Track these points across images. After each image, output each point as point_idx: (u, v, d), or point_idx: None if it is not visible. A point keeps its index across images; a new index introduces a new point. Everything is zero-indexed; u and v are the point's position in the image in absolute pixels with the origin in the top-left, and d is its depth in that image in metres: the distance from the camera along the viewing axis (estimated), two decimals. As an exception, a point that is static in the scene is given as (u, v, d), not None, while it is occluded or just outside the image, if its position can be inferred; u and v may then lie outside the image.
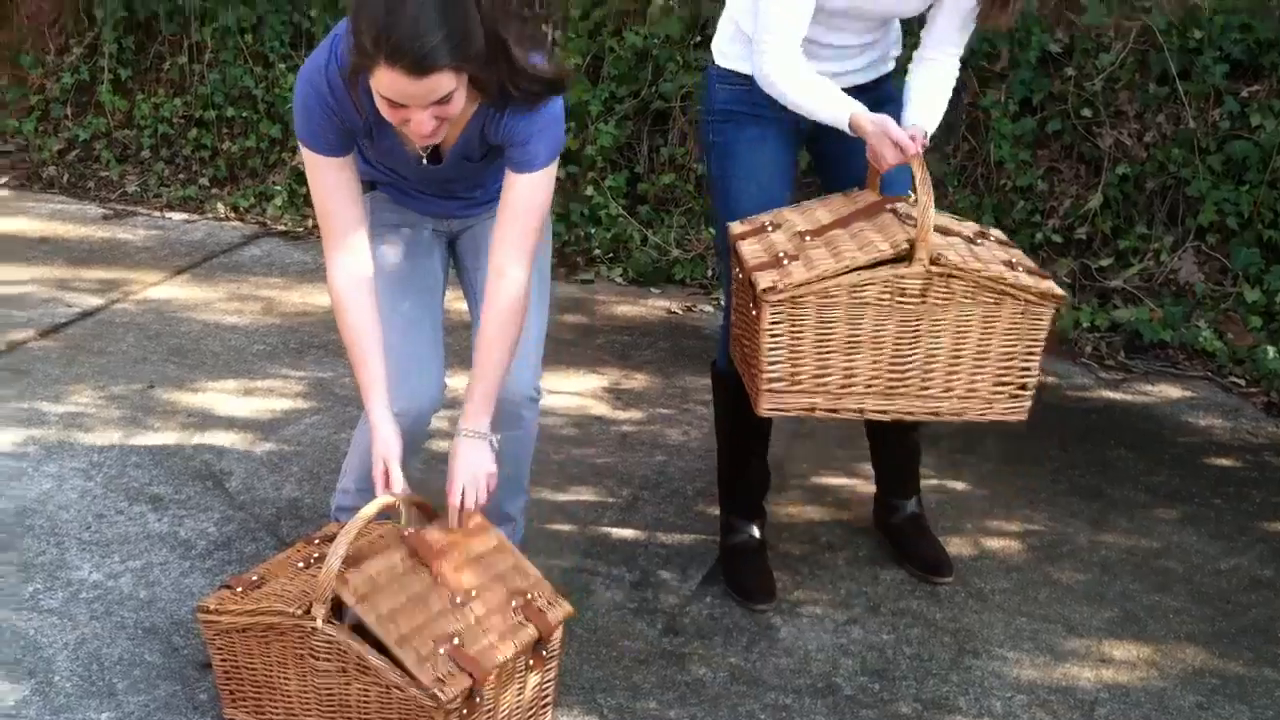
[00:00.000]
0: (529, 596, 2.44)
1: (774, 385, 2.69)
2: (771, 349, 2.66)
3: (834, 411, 2.71)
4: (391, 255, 2.72)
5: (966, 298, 2.62)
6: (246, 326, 4.34)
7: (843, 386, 2.69)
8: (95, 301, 4.50)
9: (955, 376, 2.68)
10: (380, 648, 2.29)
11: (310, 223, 5.12)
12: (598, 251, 4.82)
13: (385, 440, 2.49)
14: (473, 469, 2.50)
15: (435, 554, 2.38)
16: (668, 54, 4.87)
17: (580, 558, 3.18)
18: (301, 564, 2.52)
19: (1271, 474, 3.56)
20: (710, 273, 4.65)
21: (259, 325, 4.35)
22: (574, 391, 3.95)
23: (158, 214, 5.24)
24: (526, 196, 2.47)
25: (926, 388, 2.69)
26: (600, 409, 3.87)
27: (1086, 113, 4.39)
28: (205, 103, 5.47)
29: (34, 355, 4.14)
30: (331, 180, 2.51)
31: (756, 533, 3.14)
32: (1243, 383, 4.00)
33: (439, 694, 2.25)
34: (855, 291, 2.62)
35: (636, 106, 4.92)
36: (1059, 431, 3.74)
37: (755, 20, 2.75)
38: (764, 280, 2.61)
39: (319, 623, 2.32)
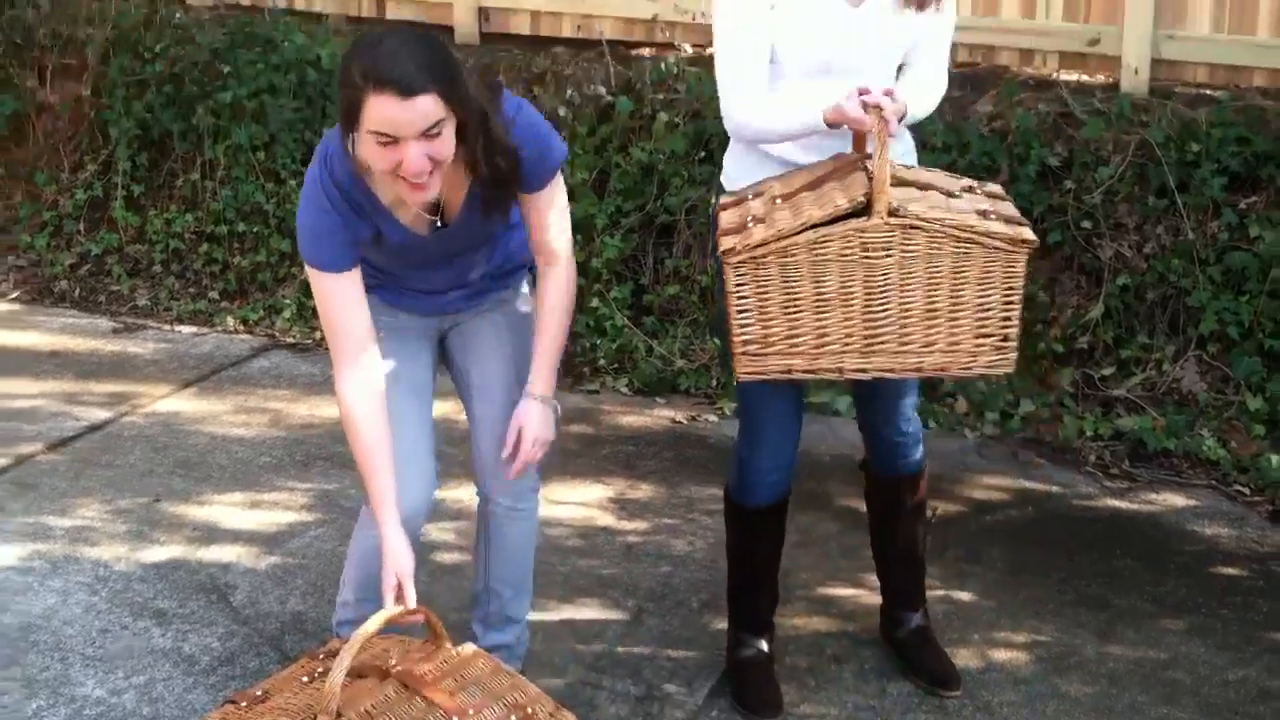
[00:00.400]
0: (529, 711, 2.42)
1: (748, 349, 2.67)
2: (740, 311, 2.64)
3: (812, 372, 2.68)
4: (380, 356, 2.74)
5: (934, 249, 2.60)
6: (253, 439, 4.36)
7: (817, 346, 2.65)
8: (103, 415, 4.52)
9: (934, 331, 2.63)
10: None
11: (318, 335, 5.16)
12: (603, 362, 4.85)
13: (397, 554, 2.54)
14: (535, 429, 2.71)
15: (427, 684, 2.38)
16: (673, 169, 4.95)
17: (585, 671, 3.16)
18: (305, 679, 2.50)
19: (1277, 583, 3.54)
20: (715, 382, 4.67)
21: (266, 438, 4.37)
22: (579, 502, 3.96)
23: (167, 327, 5.29)
24: (550, 200, 2.69)
25: (905, 344, 2.64)
26: (605, 519, 3.87)
27: (1086, 224, 4.44)
28: (217, 218, 5.55)
29: (41, 469, 4.16)
30: (340, 296, 2.57)
31: (765, 646, 3.12)
32: (1247, 491, 3.99)
33: None
34: (816, 248, 2.60)
35: (642, 220, 4.98)
36: (1065, 541, 3.73)
37: (719, 88, 2.85)
38: (725, 243, 2.63)
39: None
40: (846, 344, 2.64)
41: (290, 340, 5.16)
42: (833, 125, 2.73)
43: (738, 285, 2.63)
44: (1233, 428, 4.19)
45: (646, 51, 5.41)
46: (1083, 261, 4.48)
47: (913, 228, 2.56)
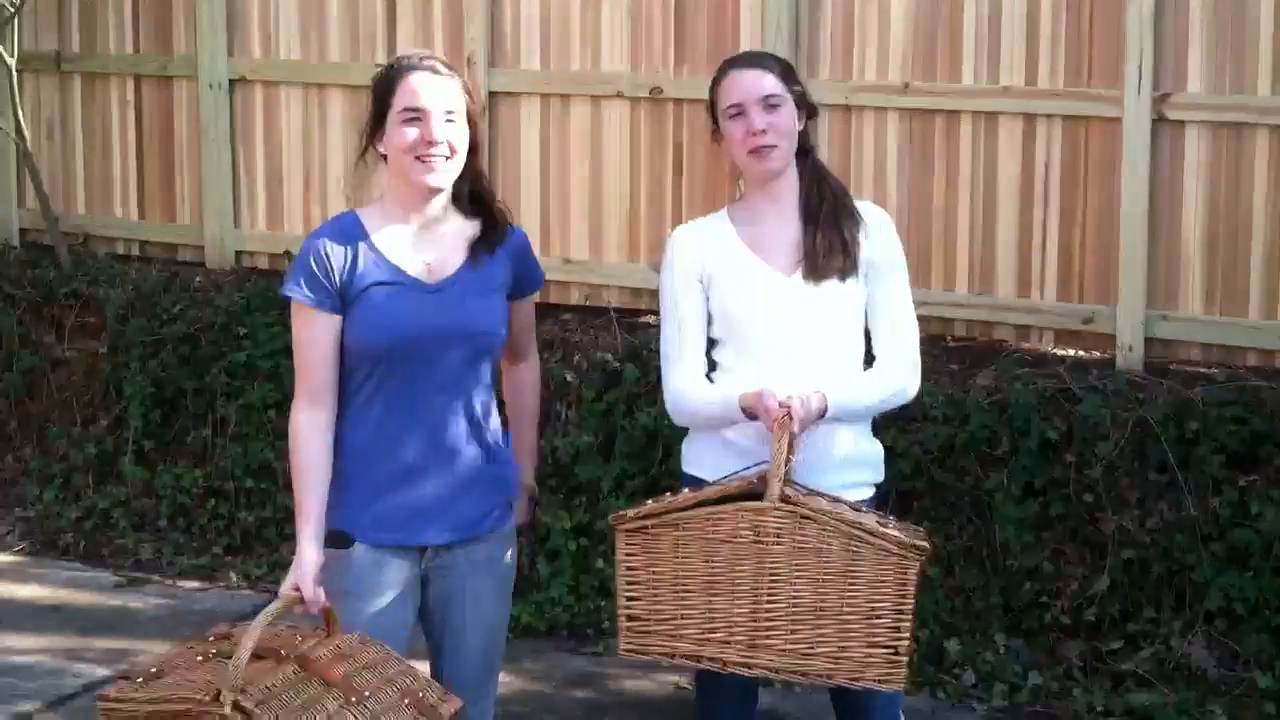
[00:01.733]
0: (420, 695, 2.61)
1: (632, 624, 2.66)
2: (629, 583, 2.64)
3: (695, 659, 2.66)
4: (359, 622, 2.81)
5: (825, 543, 2.60)
6: (254, 700, 4.30)
7: (704, 632, 2.64)
8: (102, 672, 4.48)
9: (823, 632, 2.62)
10: None
11: (322, 591, 5.14)
12: (607, 624, 4.83)
13: (307, 563, 2.79)
14: (522, 517, 3.09)
15: (324, 666, 2.57)
16: (678, 436, 5.01)
17: None
18: (200, 658, 2.61)
19: None
20: (720, 650, 4.64)
21: (266, 698, 4.31)
22: (584, 772, 3.89)
23: (170, 582, 5.28)
24: (530, 312, 3.13)
25: (793, 643, 2.62)
26: (611, 791, 3.80)
27: (1088, 498, 4.49)
28: (225, 474, 5.59)
29: (38, 727, 4.10)
30: (313, 335, 2.83)
31: None
32: (1262, 772, 3.94)
33: None
34: (709, 526, 2.62)
35: (647, 484, 5.03)
36: (1079, 821, 3.66)
37: (661, 360, 3.01)
38: (617, 512, 2.68)
39: (227, 709, 2.41)
40: (732, 634, 2.64)
41: (293, 598, 5.14)
42: (747, 412, 2.82)
43: (627, 555, 2.67)
44: (1244, 706, 4.16)
45: (652, 320, 5.56)
46: (1086, 534, 4.52)
47: (804, 517, 2.62)
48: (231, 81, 6.12)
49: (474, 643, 2.96)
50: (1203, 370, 4.73)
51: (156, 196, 6.41)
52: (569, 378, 5.20)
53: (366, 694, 2.56)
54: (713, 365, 3.03)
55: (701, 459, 3.04)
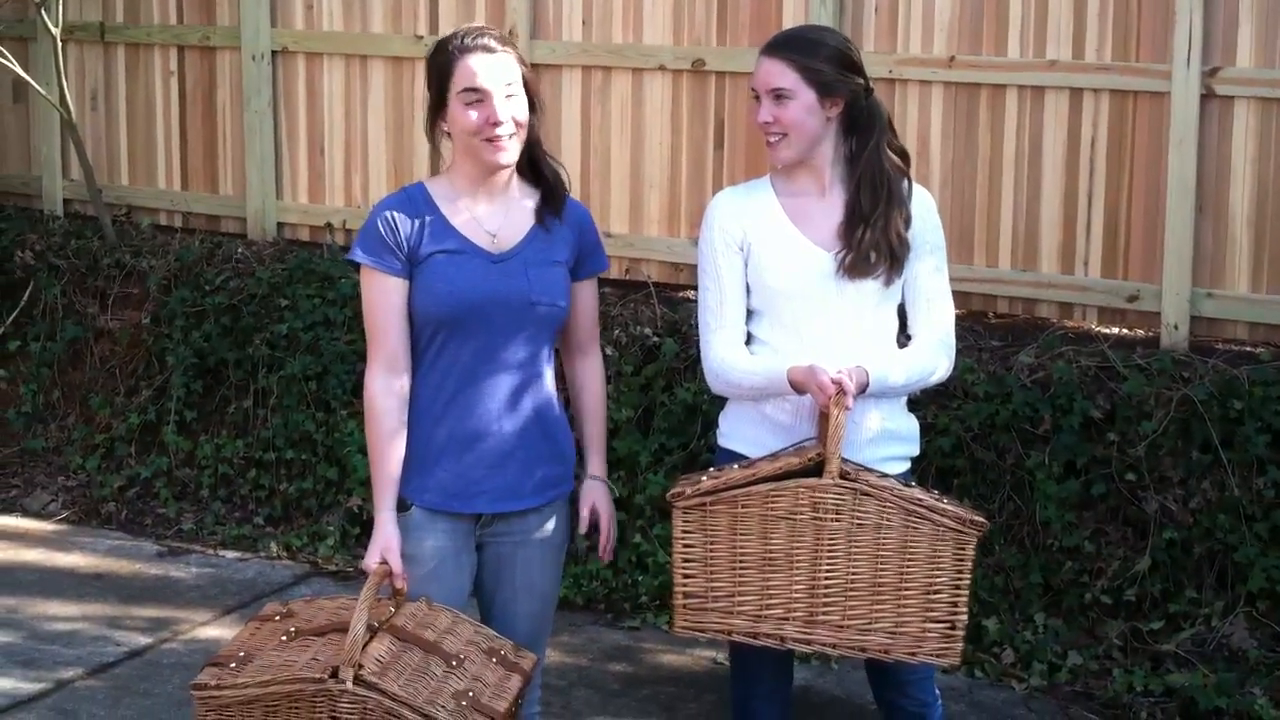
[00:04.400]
0: (502, 652, 2.72)
1: (689, 602, 2.65)
2: (685, 560, 2.63)
3: (752, 637, 2.65)
4: (416, 588, 2.85)
5: (884, 519, 2.59)
6: (293, 669, 4.34)
7: (760, 609, 2.63)
8: (144, 640, 4.52)
9: (880, 608, 2.61)
10: None
11: (361, 563, 5.18)
12: (644, 598, 4.84)
13: (388, 536, 2.82)
14: (606, 507, 3.04)
15: (414, 635, 2.64)
16: (716, 410, 5.00)
17: None
18: (283, 637, 2.64)
19: None
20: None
21: (306, 668, 4.34)
22: (621, 746, 3.90)
23: (211, 552, 5.32)
24: (590, 299, 3.07)
25: (851, 619, 2.62)
26: (647, 765, 3.81)
27: (1131, 477, 4.46)
28: (266, 445, 5.62)
29: (80, 695, 4.14)
30: (383, 300, 2.87)
31: None
32: (1303, 755, 3.91)
33: None
34: (768, 503, 2.60)
35: (685, 458, 5.03)
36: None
37: (700, 330, 3.00)
38: (674, 488, 2.66)
39: (349, 684, 2.45)
40: (790, 610, 2.63)
41: (332, 568, 5.18)
42: (796, 387, 2.80)
43: (684, 533, 2.65)
44: (1285, 688, 4.13)
45: (692, 295, 5.54)
46: (1128, 514, 4.48)
47: (864, 494, 2.60)
48: (274, 52, 6.13)
49: (523, 611, 2.98)
50: (1249, 349, 4.68)
51: (199, 168, 6.44)
52: (608, 352, 5.20)
53: (462, 657, 2.62)
54: (748, 338, 3.02)
55: (738, 433, 3.03)
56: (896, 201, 2.97)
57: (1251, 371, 4.45)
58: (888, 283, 2.95)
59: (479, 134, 2.85)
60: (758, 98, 2.96)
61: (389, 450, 2.86)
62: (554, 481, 3.00)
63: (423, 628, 2.67)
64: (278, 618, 2.72)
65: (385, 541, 2.81)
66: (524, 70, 2.91)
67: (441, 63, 2.89)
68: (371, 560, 2.79)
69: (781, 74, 2.93)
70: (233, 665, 2.56)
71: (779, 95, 2.93)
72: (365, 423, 2.90)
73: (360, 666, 2.46)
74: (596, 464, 3.07)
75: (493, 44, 2.87)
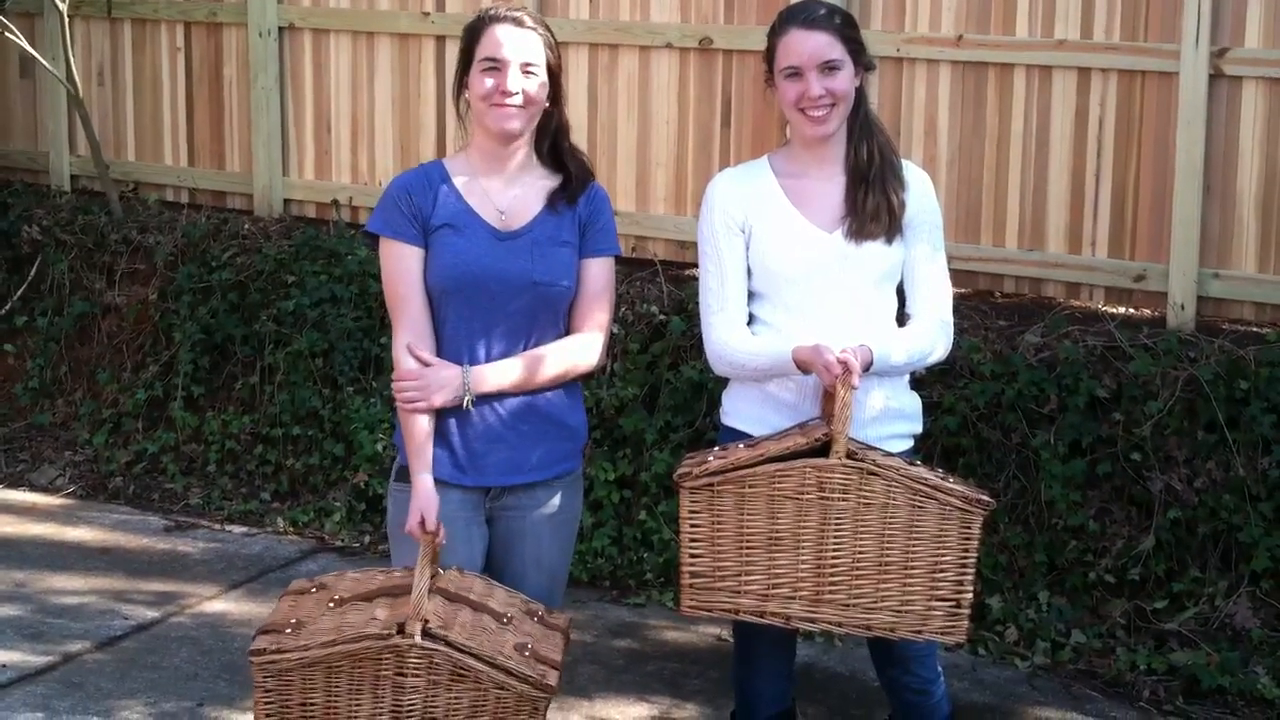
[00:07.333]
0: (540, 614, 2.79)
1: (696, 581, 2.67)
2: (692, 540, 2.65)
3: (758, 616, 2.66)
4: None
5: (890, 498, 2.60)
6: (300, 644, 4.35)
7: (767, 588, 2.65)
8: (151, 614, 4.54)
9: (886, 587, 2.63)
10: None
11: (367, 538, 5.20)
12: (649, 575, 4.85)
13: (426, 494, 2.86)
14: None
15: (462, 595, 2.70)
16: (722, 388, 5.01)
17: None
18: (330, 604, 2.67)
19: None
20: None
21: (312, 643, 4.36)
22: (625, 721, 3.92)
23: (218, 527, 5.34)
24: (600, 277, 3.00)
25: (856, 598, 2.63)
26: (652, 740, 3.83)
27: (1136, 456, 4.46)
28: (273, 421, 5.64)
29: (88, 668, 4.16)
30: (402, 267, 2.91)
31: None
32: (1305, 734, 3.92)
33: (548, 682, 2.59)
34: (775, 482, 2.61)
35: (691, 436, 5.03)
36: (1119, 779, 3.66)
37: (701, 311, 3.01)
38: (680, 469, 2.67)
39: (417, 638, 2.52)
40: (797, 589, 2.65)
41: (339, 544, 5.19)
42: (801, 366, 2.81)
43: (691, 513, 2.66)
44: (1289, 667, 4.14)
45: (698, 273, 5.54)
46: (1133, 493, 4.49)
47: (870, 473, 2.61)
48: (281, 29, 6.12)
49: (532, 585, 2.99)
50: (1255, 329, 4.68)
51: (206, 144, 6.44)
52: (615, 330, 5.20)
53: (509, 615, 2.69)
54: (750, 319, 3.03)
55: (741, 411, 3.03)
56: (893, 159, 3.01)
57: (1258, 352, 4.45)
58: (889, 240, 2.95)
59: (488, 99, 2.91)
60: (794, 75, 2.94)
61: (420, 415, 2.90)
62: (560, 457, 3.01)
63: (464, 590, 2.72)
64: (314, 590, 2.75)
65: (424, 501, 2.85)
66: (551, 56, 2.97)
67: (473, 29, 2.97)
68: (413, 520, 2.83)
69: (831, 45, 2.93)
70: (287, 631, 2.59)
71: (831, 67, 2.93)
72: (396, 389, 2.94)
73: (426, 621, 2.51)
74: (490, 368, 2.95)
75: (525, 19, 2.95)
